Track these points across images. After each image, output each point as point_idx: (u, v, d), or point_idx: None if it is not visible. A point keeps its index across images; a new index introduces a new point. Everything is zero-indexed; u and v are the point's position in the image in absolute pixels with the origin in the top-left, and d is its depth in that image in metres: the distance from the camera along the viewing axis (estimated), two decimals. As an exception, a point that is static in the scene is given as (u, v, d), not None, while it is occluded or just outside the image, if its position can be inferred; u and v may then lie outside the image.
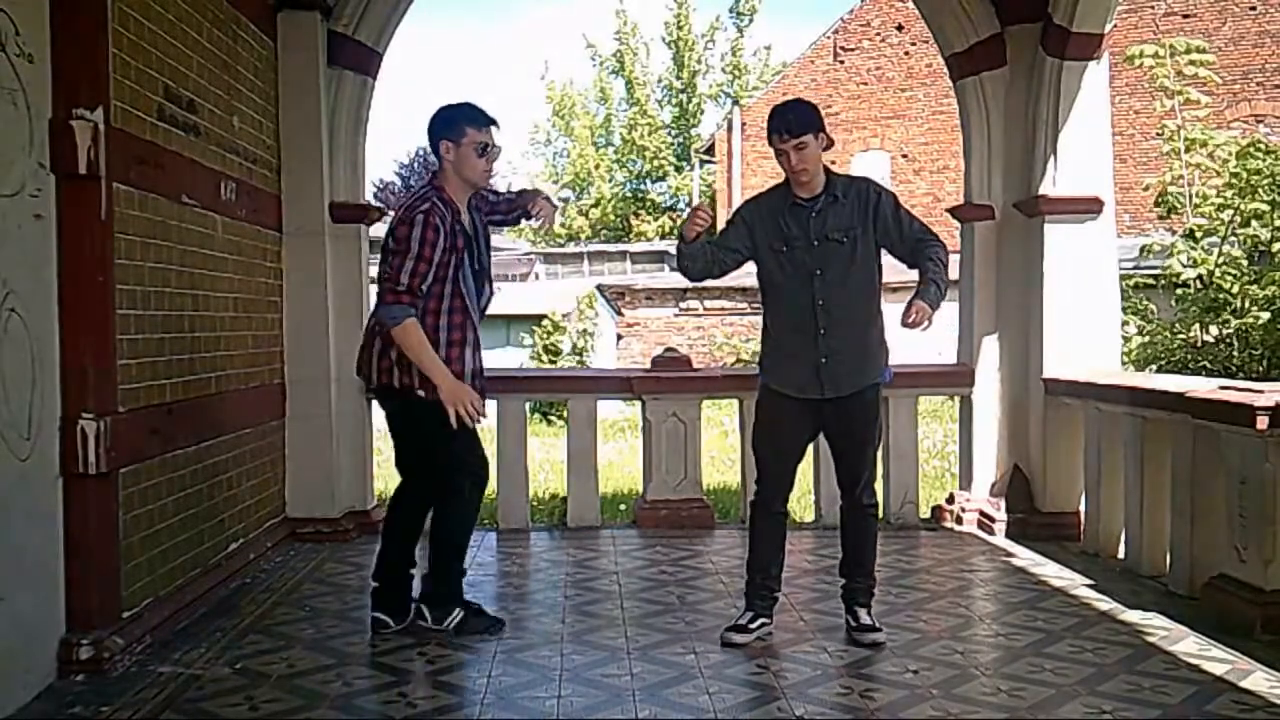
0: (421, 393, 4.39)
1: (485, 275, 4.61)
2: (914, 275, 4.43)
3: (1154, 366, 9.57)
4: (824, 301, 4.40)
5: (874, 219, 4.43)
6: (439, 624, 4.61)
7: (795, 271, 4.43)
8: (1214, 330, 9.65)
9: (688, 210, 4.57)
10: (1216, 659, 4.27)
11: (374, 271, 4.84)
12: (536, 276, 29.08)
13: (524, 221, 4.89)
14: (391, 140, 62.28)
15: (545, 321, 21.10)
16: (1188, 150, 10.47)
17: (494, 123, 4.52)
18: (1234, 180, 9.51)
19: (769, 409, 4.60)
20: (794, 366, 4.48)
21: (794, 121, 4.36)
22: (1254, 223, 9.48)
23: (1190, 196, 10.41)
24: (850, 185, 4.51)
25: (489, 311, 4.69)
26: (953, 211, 7.20)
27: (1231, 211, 9.62)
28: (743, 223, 4.56)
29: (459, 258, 4.42)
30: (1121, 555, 5.84)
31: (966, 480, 7.00)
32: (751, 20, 34.69)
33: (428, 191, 4.48)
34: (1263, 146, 9.65)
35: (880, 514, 4.88)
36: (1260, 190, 9.22)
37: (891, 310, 4.45)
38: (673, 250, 4.68)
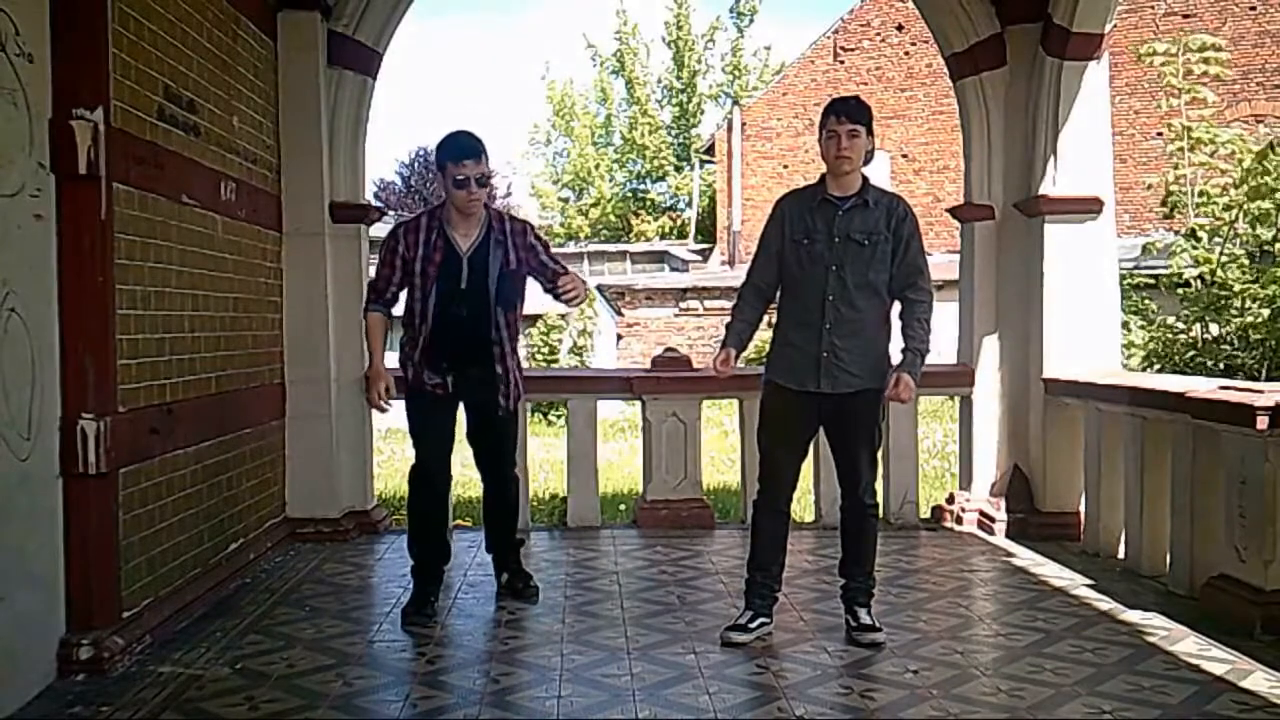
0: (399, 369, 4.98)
1: (481, 291, 4.80)
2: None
3: (1155, 366, 9.55)
4: (834, 298, 4.44)
5: (893, 231, 4.48)
6: None
7: (813, 265, 4.48)
8: (1215, 329, 9.63)
9: (715, 365, 4.77)
10: (1216, 659, 4.27)
11: (374, 272, 5.05)
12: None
13: (560, 300, 5.14)
14: (391, 140, 62.29)
15: (540, 322, 21.09)
16: (1192, 149, 10.44)
17: (470, 156, 4.74)
18: (1248, 178, 9.45)
19: (772, 405, 4.63)
20: (796, 358, 4.51)
21: (855, 109, 4.52)
22: (1258, 224, 9.45)
23: (1193, 195, 10.38)
24: (883, 196, 4.59)
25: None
26: (953, 211, 7.20)
27: (1236, 210, 9.60)
28: (783, 214, 4.62)
29: (429, 269, 4.77)
30: (1121, 555, 5.84)
31: (966, 480, 7.00)
32: (751, 20, 34.67)
33: (424, 210, 5.04)
34: None
35: (880, 514, 4.89)
36: (1272, 192, 9.15)
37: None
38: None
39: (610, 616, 4.92)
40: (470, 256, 4.81)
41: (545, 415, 16.76)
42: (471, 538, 6.10)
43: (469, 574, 5.61)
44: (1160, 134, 13.95)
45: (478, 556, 5.76)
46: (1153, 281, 10.71)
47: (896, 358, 4.52)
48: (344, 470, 6.61)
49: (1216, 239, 9.84)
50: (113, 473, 4.20)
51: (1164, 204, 10.79)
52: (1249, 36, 20.03)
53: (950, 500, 7.14)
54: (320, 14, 6.44)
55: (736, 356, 4.68)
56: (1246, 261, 9.67)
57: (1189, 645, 4.44)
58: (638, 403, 7.07)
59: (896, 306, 4.55)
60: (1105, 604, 5.04)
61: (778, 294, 4.67)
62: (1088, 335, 6.47)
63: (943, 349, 7.46)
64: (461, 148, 4.76)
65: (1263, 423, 4.47)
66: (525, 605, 5.10)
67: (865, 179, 4.55)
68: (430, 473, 5.01)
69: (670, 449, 6.87)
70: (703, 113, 34.85)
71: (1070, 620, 4.80)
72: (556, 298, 5.04)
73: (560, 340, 20.87)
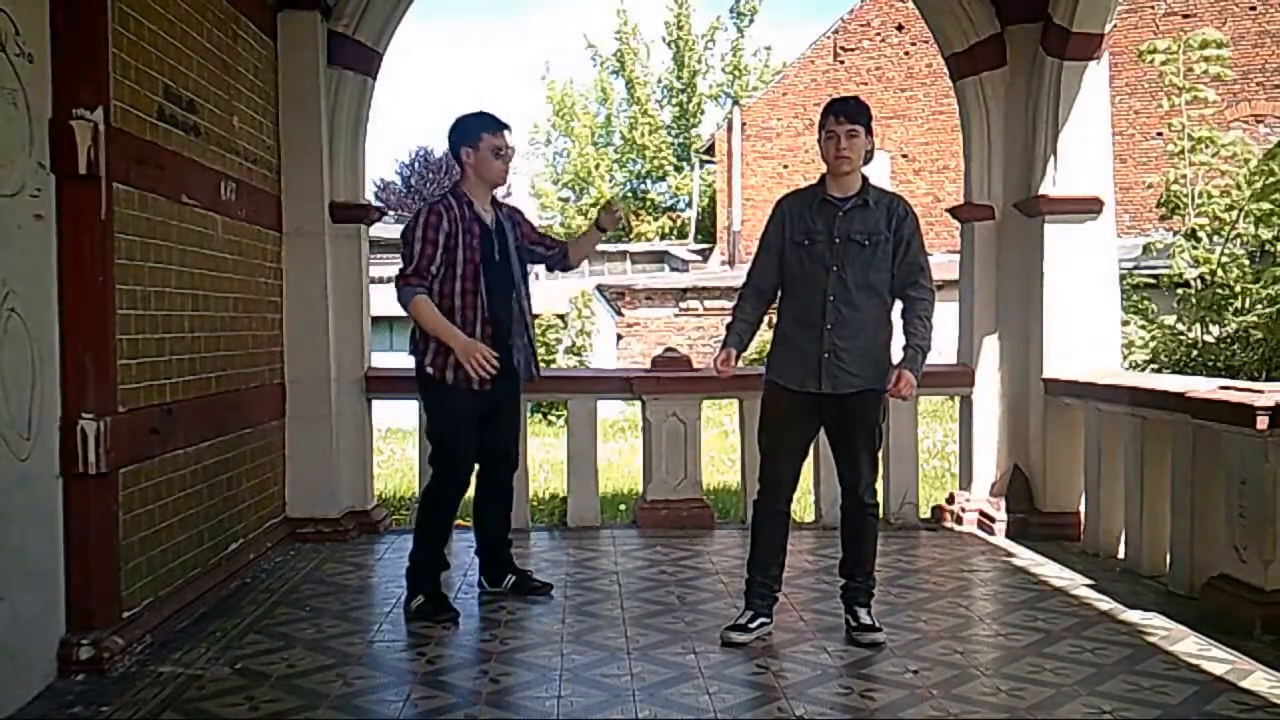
0: (431, 370, 4.80)
1: (509, 264, 4.94)
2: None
3: (1154, 366, 9.55)
4: (835, 298, 4.45)
5: (894, 231, 4.49)
6: (406, 604, 4.96)
7: (813, 266, 4.49)
8: (1215, 330, 9.63)
9: (715, 365, 4.80)
10: (1216, 659, 4.27)
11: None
12: (536, 276, 28.98)
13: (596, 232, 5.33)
14: (391, 140, 62.31)
15: (537, 321, 21.06)
16: (1193, 150, 10.42)
17: (507, 127, 4.93)
18: (1254, 178, 9.43)
19: (772, 406, 4.63)
20: (797, 358, 4.52)
21: (854, 108, 4.53)
22: (1260, 224, 9.45)
23: (1193, 196, 10.37)
24: (883, 196, 4.60)
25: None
26: (953, 211, 7.20)
27: (1238, 211, 9.59)
28: (783, 215, 4.62)
29: (473, 242, 4.79)
30: (1121, 555, 5.84)
31: (966, 480, 7.00)
32: (751, 20, 34.72)
33: (443, 192, 4.99)
34: None
35: (880, 514, 4.89)
36: (1276, 190, 9.13)
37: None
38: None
39: (610, 616, 4.92)
40: (495, 230, 4.89)
41: (545, 415, 16.75)
42: (472, 538, 6.09)
43: (469, 574, 5.61)
44: (1160, 134, 13.93)
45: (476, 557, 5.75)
46: (1153, 281, 10.71)
47: (897, 356, 4.52)
48: (344, 470, 6.61)
49: (1217, 239, 9.84)
50: (113, 473, 4.20)
51: (1162, 205, 10.77)
52: (1249, 36, 20.03)
53: (950, 500, 7.14)
54: (320, 14, 6.44)
55: (737, 356, 4.69)
56: (1247, 262, 9.67)
57: (1189, 645, 4.44)
58: (638, 403, 7.07)
59: (898, 306, 4.56)
60: (1105, 604, 5.04)
61: (778, 294, 4.68)
62: (1088, 335, 6.47)
63: (943, 349, 7.47)
64: (498, 119, 4.91)
65: (1263, 423, 4.47)
66: (525, 605, 5.10)
67: (865, 179, 4.55)
68: (469, 474, 5.00)
69: (670, 449, 6.87)
70: (703, 113, 34.89)
71: (1070, 620, 4.80)
72: (559, 262, 5.27)
73: (559, 340, 20.86)
